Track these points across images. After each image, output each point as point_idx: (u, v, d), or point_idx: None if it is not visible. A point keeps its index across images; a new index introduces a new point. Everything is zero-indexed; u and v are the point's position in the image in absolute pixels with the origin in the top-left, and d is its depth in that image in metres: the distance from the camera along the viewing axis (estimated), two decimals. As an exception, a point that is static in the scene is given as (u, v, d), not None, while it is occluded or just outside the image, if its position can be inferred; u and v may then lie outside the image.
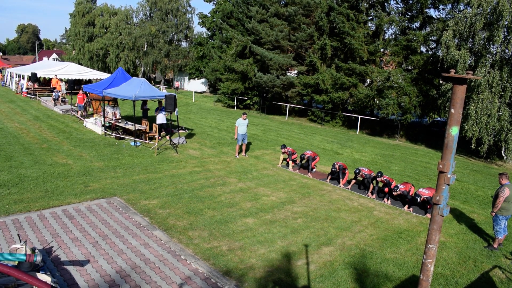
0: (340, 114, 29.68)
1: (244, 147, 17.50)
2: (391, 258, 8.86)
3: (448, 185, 3.45)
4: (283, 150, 15.79)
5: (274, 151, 18.88)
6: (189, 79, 53.69)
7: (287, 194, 12.74)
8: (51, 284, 6.68)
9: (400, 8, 27.91)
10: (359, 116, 27.59)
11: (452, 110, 3.34)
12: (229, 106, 37.31)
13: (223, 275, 7.77)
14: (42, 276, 6.74)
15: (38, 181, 12.50)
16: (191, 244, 8.91)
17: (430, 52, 27.00)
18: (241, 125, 16.87)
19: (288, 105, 33.07)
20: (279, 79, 31.14)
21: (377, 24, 27.97)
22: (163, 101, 18.82)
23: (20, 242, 7.43)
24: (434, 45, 27.19)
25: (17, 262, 6.96)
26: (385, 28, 28.50)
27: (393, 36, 28.47)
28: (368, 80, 29.11)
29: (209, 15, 50.32)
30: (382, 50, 28.61)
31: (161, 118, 19.41)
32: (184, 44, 58.23)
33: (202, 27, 52.28)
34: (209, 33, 51.90)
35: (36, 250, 7.47)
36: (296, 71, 33.92)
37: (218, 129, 23.88)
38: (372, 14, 29.45)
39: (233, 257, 8.44)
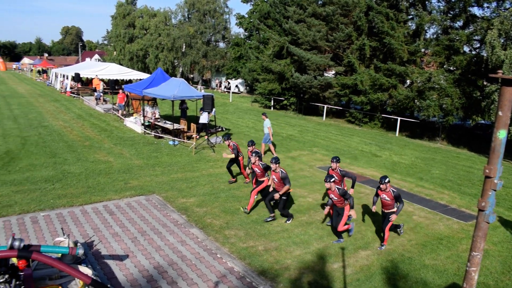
0: (378, 116, 29.16)
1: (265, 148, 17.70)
2: (430, 264, 8.63)
3: (495, 190, 3.32)
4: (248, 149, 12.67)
5: (311, 152, 18.75)
6: (226, 79, 54.10)
7: (324, 196, 12.62)
8: (92, 276, 6.87)
9: (442, 7, 27.11)
10: (399, 118, 27.01)
11: (500, 113, 3.22)
12: (266, 106, 37.35)
13: (258, 274, 7.78)
14: (83, 269, 6.95)
15: (81, 177, 12.92)
16: (227, 243, 8.98)
17: (473, 52, 26.09)
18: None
19: (325, 106, 32.78)
20: (317, 79, 30.92)
21: (418, 24, 27.29)
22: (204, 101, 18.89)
23: (64, 235, 7.68)
24: (478, 45, 26.23)
25: (60, 254, 7.22)
26: (426, 28, 27.75)
27: (435, 36, 27.67)
28: (408, 81, 28.45)
29: (246, 15, 50.56)
30: (422, 50, 27.89)
31: (204, 118, 19.55)
32: (221, 44, 58.73)
33: (239, 27, 52.61)
34: (246, 33, 52.16)
35: (78, 244, 7.71)
36: (333, 72, 33.56)
37: (255, 129, 23.94)
38: (412, 13, 28.74)
39: (268, 257, 8.44)
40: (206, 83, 57.32)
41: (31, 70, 73.00)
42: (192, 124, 19.82)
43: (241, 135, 21.68)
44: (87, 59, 72.10)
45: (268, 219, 10.38)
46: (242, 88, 51.99)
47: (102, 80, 33.99)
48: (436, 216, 11.57)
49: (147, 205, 11.01)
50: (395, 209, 9.10)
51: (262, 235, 9.47)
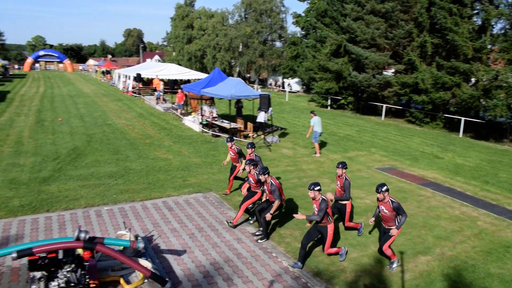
0: (441, 116, 27.98)
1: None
2: (496, 273, 8.16)
3: None
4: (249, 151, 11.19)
5: (369, 153, 18.33)
6: (283, 78, 54.06)
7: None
8: (151, 270, 7.12)
9: (510, 0, 25.58)
10: (462, 118, 25.77)
11: None
12: (323, 105, 36.95)
13: (314, 275, 7.72)
14: (143, 262, 7.20)
15: (142, 174, 13.40)
16: (283, 242, 8.97)
17: (546, 48, 24.39)
18: None
19: (384, 105, 31.91)
20: (375, 78, 30.17)
21: (484, 19, 25.88)
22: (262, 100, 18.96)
23: (125, 229, 7.99)
24: (551, 41, 24.51)
25: (122, 247, 7.53)
26: (492, 23, 26.25)
27: (502, 31, 26.12)
28: (473, 79, 27.08)
29: (303, 14, 50.26)
30: (489, 46, 26.42)
31: (261, 117, 19.63)
32: (278, 44, 58.75)
33: (296, 26, 52.22)
34: (303, 32, 51.84)
35: (139, 238, 7.99)
36: (393, 70, 32.58)
37: (310, 128, 23.76)
38: (477, 7, 27.30)
39: (324, 259, 8.34)
40: (263, 83, 57.53)
41: (96, 71, 76.65)
42: (248, 123, 19.98)
43: (297, 135, 21.58)
44: (148, 60, 74.75)
45: (257, 233, 9.30)
46: (297, 87, 51.74)
47: (162, 80, 35.03)
48: (503, 223, 10.93)
49: (204, 202, 11.23)
50: (396, 224, 7.92)
51: (318, 236, 9.38)
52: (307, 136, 18.07)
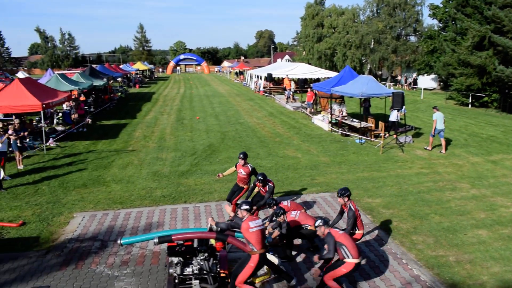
0: None
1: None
2: None
3: None
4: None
5: (517, 156, 16.44)
6: (418, 75, 51.10)
7: (532, 207, 10.94)
8: (279, 265, 7.32)
9: None
10: None
11: None
12: (463, 104, 34.02)
13: (448, 287, 7.18)
14: (270, 257, 7.42)
15: (271, 171, 13.80)
16: (414, 249, 8.51)
17: None
18: None
19: (537, 102, 28.30)
20: (527, 73, 26.89)
21: None
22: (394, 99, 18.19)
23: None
24: None
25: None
26: None
27: None
28: None
29: (440, 5, 46.81)
30: None
31: (393, 116, 18.87)
32: (412, 38, 55.66)
33: (432, 19, 48.70)
34: (440, 25, 48.26)
35: (267, 233, 8.23)
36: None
37: (449, 128, 22.02)
38: None
39: (460, 270, 7.71)
40: (396, 80, 55.04)
41: (230, 72, 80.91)
42: (380, 122, 19.32)
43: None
44: (278, 60, 76.63)
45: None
46: (434, 84, 48.46)
47: (292, 79, 35.60)
48: None
49: (332, 202, 11.16)
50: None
51: (454, 245, 8.69)
52: (432, 133, 16.99)
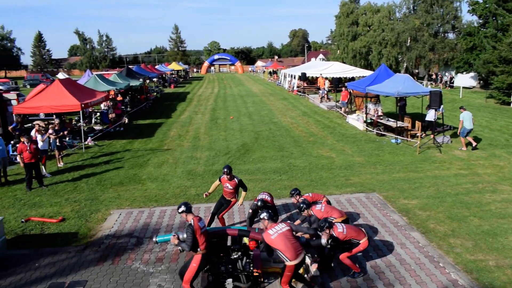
0: None
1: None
2: None
3: None
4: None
5: None
6: (456, 73, 49.62)
7: None
8: (314, 275, 7.30)
9: None
10: None
11: None
12: (504, 102, 32.79)
13: (489, 292, 6.95)
14: (311, 267, 7.40)
15: (305, 171, 13.74)
16: (452, 253, 8.27)
17: None
18: None
19: None
20: None
21: None
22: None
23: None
24: None
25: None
26: None
27: None
28: None
29: (480, 1, 45.29)
30: None
31: (431, 115, 18.39)
32: (450, 35, 54.13)
33: (472, 15, 47.11)
34: (480, 21, 46.68)
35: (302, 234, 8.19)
36: None
37: (489, 128, 21.34)
38: None
39: (501, 276, 7.43)
40: (433, 78, 53.64)
41: (263, 71, 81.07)
42: (417, 121, 18.89)
43: (472, 135, 19.59)
44: (312, 59, 76.08)
45: None
46: (473, 82, 46.93)
47: (326, 78, 35.30)
48: None
49: (366, 203, 10.99)
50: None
51: (495, 249, 8.39)
52: (458, 133, 16.65)
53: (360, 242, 7.39)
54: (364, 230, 7.64)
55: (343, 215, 8.23)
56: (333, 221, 7.65)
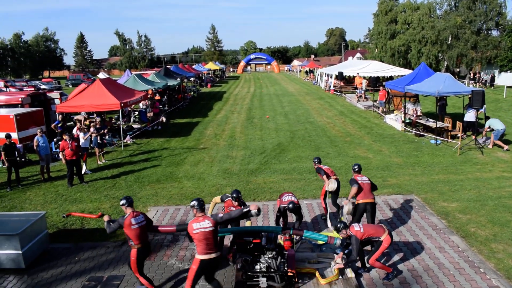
0: None
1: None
2: None
3: None
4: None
5: None
6: (500, 72, 47.83)
7: None
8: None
9: None
10: None
11: None
12: (554, 102, 31.42)
13: (534, 300, 6.68)
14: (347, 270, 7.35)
15: (341, 171, 13.56)
16: (493, 258, 7.98)
17: None
18: None
19: None
20: None
21: None
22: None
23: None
24: None
25: (320, 241, 7.83)
26: None
27: None
28: None
29: (528, -3, 43.54)
30: None
31: (471, 116, 17.83)
32: (494, 33, 52.22)
33: (517, 11, 45.55)
34: (526, 17, 44.93)
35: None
36: None
37: (535, 129, 20.47)
38: None
39: (548, 282, 7.13)
40: (472, 78, 51.92)
41: (300, 71, 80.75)
42: (457, 122, 18.35)
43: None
44: (349, 58, 75.00)
45: None
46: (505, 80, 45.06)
47: (363, 77, 34.78)
48: None
49: (404, 205, 10.77)
50: None
51: (540, 255, 8.06)
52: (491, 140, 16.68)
53: (381, 239, 7.25)
54: (384, 226, 7.48)
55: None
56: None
